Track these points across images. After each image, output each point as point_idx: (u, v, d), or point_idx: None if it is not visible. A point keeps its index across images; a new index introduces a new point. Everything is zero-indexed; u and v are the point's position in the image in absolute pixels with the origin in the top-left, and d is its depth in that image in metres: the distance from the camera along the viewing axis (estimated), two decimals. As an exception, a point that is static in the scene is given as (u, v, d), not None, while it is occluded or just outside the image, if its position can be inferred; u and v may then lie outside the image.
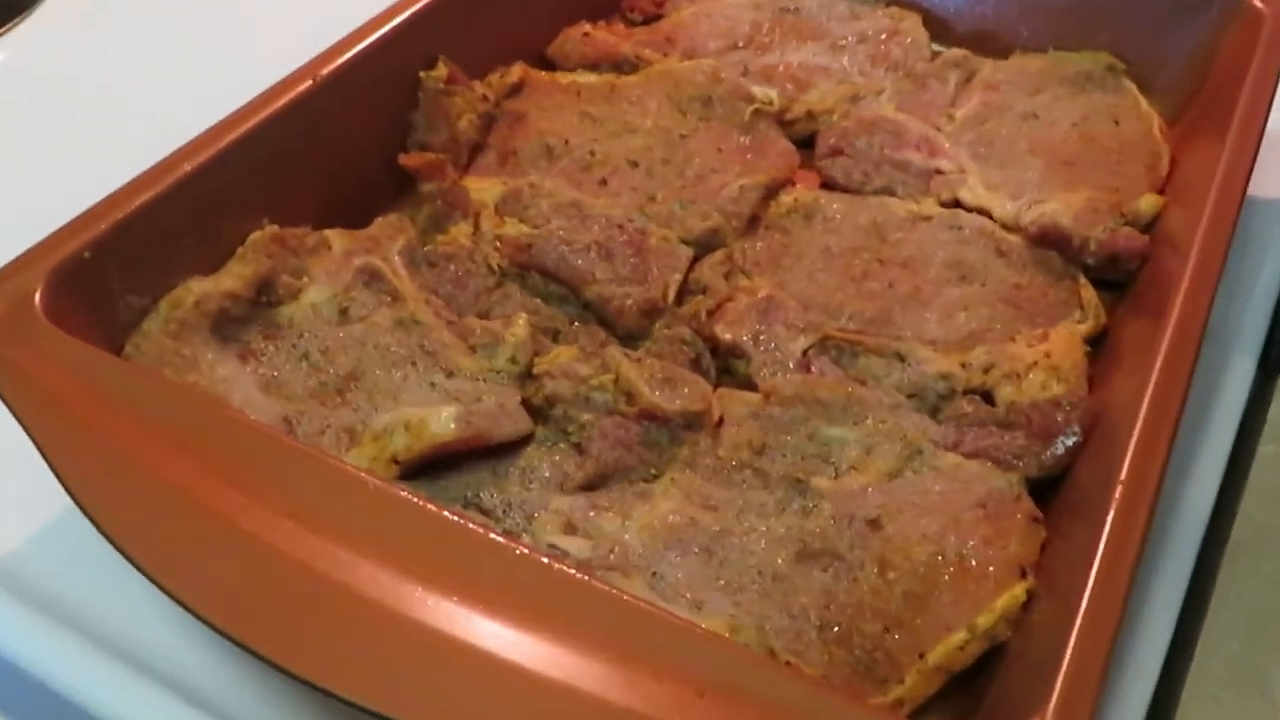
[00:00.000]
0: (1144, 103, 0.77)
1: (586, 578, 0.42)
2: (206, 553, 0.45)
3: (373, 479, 0.47)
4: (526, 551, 0.43)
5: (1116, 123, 0.75)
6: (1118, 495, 0.46)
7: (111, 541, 0.44)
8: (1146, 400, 0.50)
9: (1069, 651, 0.41)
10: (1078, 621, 0.42)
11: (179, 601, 0.42)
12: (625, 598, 0.41)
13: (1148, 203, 0.68)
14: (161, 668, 0.51)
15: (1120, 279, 0.66)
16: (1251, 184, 0.77)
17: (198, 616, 0.42)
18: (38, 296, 0.50)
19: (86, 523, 0.44)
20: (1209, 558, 0.58)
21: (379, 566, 0.43)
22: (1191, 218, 0.62)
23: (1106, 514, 0.46)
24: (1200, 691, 0.52)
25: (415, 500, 0.45)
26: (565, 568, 0.43)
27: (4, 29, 0.82)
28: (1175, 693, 0.52)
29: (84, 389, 0.48)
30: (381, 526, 0.45)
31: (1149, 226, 0.68)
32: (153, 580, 0.43)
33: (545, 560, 0.43)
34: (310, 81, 0.62)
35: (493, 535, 0.44)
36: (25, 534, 0.54)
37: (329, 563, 0.43)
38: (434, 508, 0.45)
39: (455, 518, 0.44)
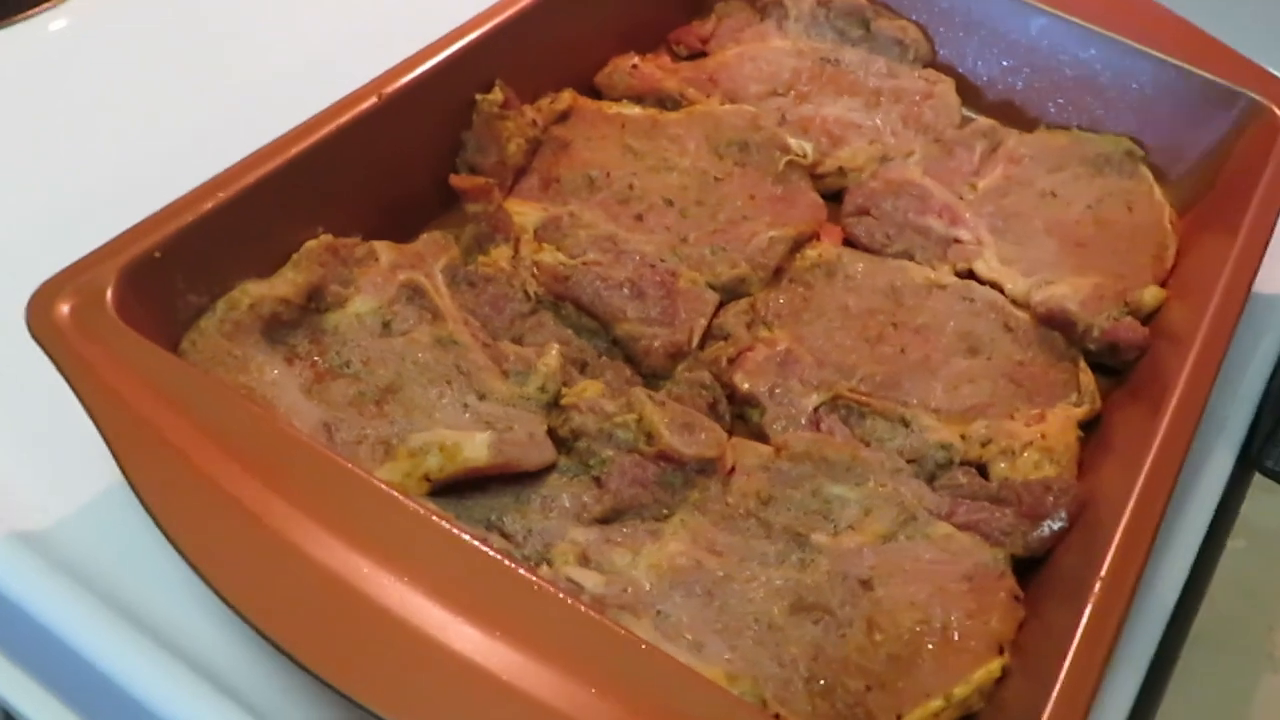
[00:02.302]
0: (1158, 191, 0.81)
1: (600, 617, 0.46)
2: (242, 550, 0.48)
3: (406, 498, 0.50)
4: (548, 586, 0.47)
5: (1130, 209, 0.79)
6: (1098, 588, 0.50)
7: (160, 528, 0.47)
8: (1134, 496, 0.54)
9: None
10: (1049, 705, 0.46)
11: (211, 587, 0.45)
12: (635, 639, 0.45)
13: (1151, 295, 0.72)
14: (182, 643, 0.54)
15: (1118, 366, 0.70)
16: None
17: (226, 603, 0.45)
18: (109, 293, 0.53)
19: (125, 501, 0.47)
20: (1171, 645, 0.62)
21: (406, 583, 0.46)
22: (1194, 314, 0.66)
23: (1086, 604, 0.50)
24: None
25: (446, 525, 0.49)
26: (581, 605, 0.46)
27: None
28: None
29: (147, 385, 0.51)
30: (411, 545, 0.48)
31: (1150, 317, 0.72)
32: (192, 566, 0.46)
33: (563, 596, 0.46)
34: (375, 99, 0.64)
35: (518, 568, 0.47)
36: (70, 507, 0.57)
37: (358, 575, 0.47)
38: (462, 534, 0.48)
39: (482, 545, 0.48)
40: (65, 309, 0.52)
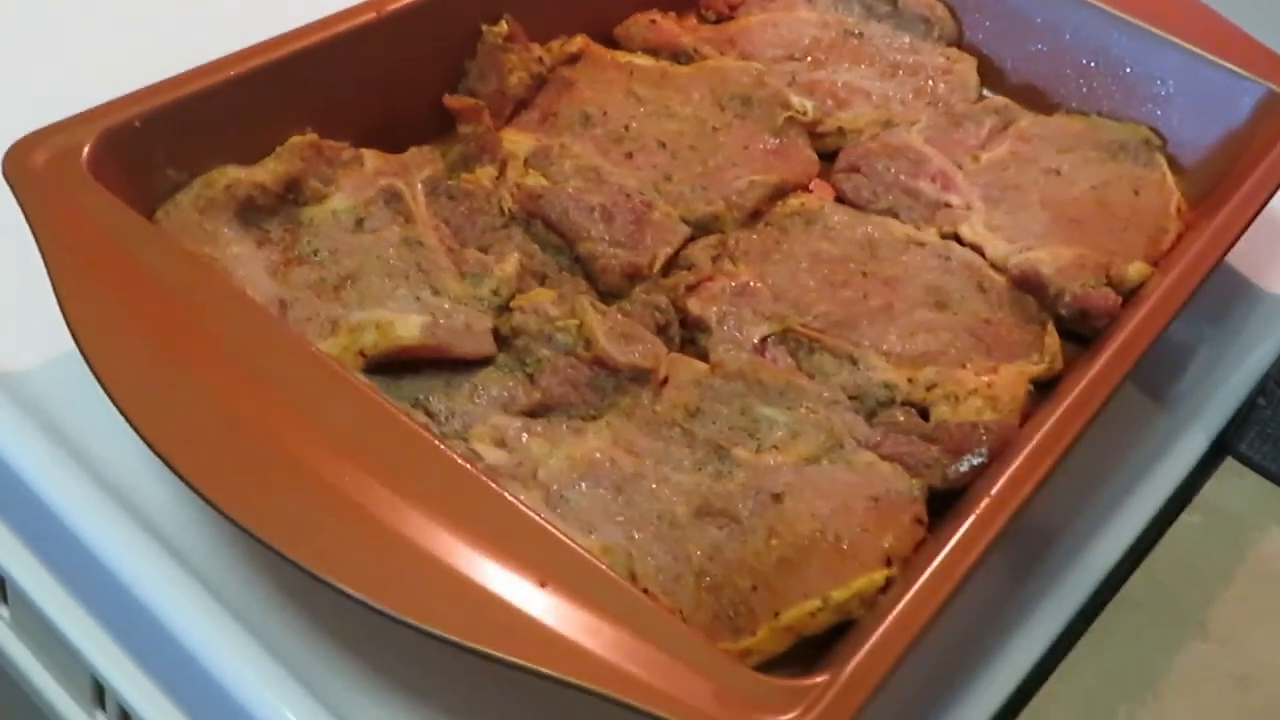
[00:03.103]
0: (1170, 179, 0.80)
1: (476, 474, 0.48)
2: (182, 403, 0.51)
3: (334, 364, 0.53)
4: (440, 446, 0.49)
5: (1136, 193, 0.78)
6: (983, 505, 0.50)
7: (100, 382, 0.50)
8: (1044, 429, 0.54)
9: (886, 621, 0.45)
10: (904, 600, 0.46)
11: (146, 442, 0.48)
12: (499, 493, 0.47)
13: (1135, 270, 0.71)
14: (133, 499, 0.57)
15: (1089, 335, 0.69)
16: (1261, 277, 0.80)
17: (159, 456, 0.48)
18: (85, 150, 0.57)
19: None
20: (1097, 604, 0.61)
21: (322, 440, 0.49)
22: (1160, 279, 0.66)
23: (968, 518, 0.50)
24: (1039, 711, 0.55)
25: (362, 387, 0.51)
26: (460, 462, 0.48)
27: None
28: (1018, 705, 0.55)
29: (107, 240, 0.55)
30: (332, 405, 0.51)
31: (1132, 294, 0.71)
32: (127, 419, 0.49)
33: (450, 456, 0.49)
34: (374, 14, 0.68)
35: (415, 428, 0.50)
36: (45, 358, 0.61)
37: (282, 427, 0.50)
38: (375, 395, 0.51)
39: (392, 409, 0.50)
40: (40, 159, 0.56)
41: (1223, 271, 0.80)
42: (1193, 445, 0.70)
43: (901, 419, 0.62)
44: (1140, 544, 0.64)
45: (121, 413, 0.49)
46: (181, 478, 0.47)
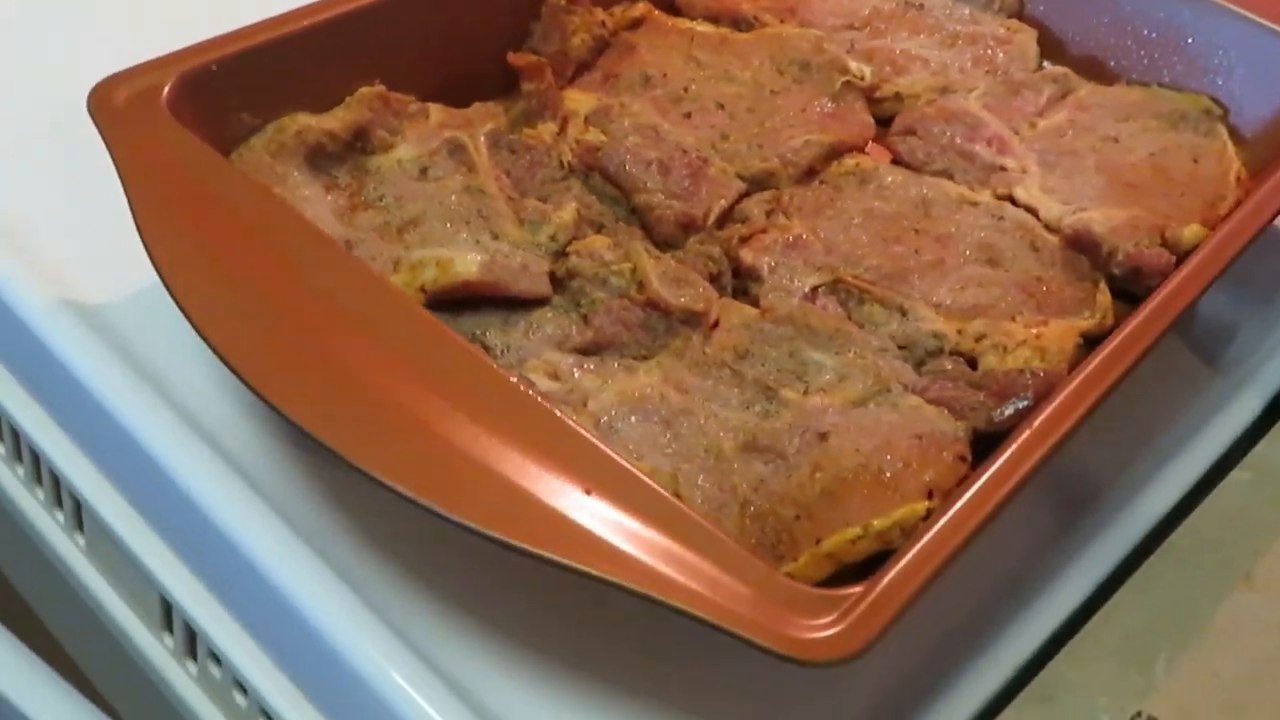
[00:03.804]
0: (1231, 148, 0.79)
1: (527, 391, 0.49)
2: (257, 328, 0.53)
3: (398, 290, 0.55)
4: (493, 366, 0.51)
5: (1195, 161, 0.78)
6: (1023, 437, 0.51)
7: (181, 308, 0.53)
8: (1086, 370, 0.55)
9: (921, 541, 0.46)
10: (941, 522, 0.47)
11: (228, 365, 0.50)
12: (548, 409, 0.49)
13: (1191, 232, 0.71)
14: (208, 426, 0.60)
15: (1142, 294, 0.69)
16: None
17: (232, 369, 0.50)
18: (165, 91, 0.60)
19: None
20: (1142, 552, 0.61)
21: (386, 358, 0.51)
22: (1213, 237, 0.66)
23: (1006, 450, 0.51)
24: (1083, 648, 0.56)
25: (424, 313, 0.54)
26: (513, 379, 0.50)
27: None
28: (1060, 642, 0.56)
29: (186, 175, 0.58)
30: (396, 327, 0.53)
31: (1186, 256, 0.71)
32: (206, 340, 0.51)
33: (503, 375, 0.51)
34: (444, -27, 0.70)
35: (472, 349, 0.52)
36: (127, 291, 0.64)
37: (349, 347, 0.52)
38: (436, 321, 0.53)
39: (451, 333, 0.53)
40: (123, 97, 0.59)
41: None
42: (1246, 408, 0.70)
43: (949, 367, 0.62)
44: (1189, 499, 0.64)
45: (201, 335, 0.51)
46: (253, 389, 0.50)
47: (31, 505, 0.68)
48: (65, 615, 0.72)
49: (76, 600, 0.67)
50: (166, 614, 0.62)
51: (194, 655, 0.61)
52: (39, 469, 0.66)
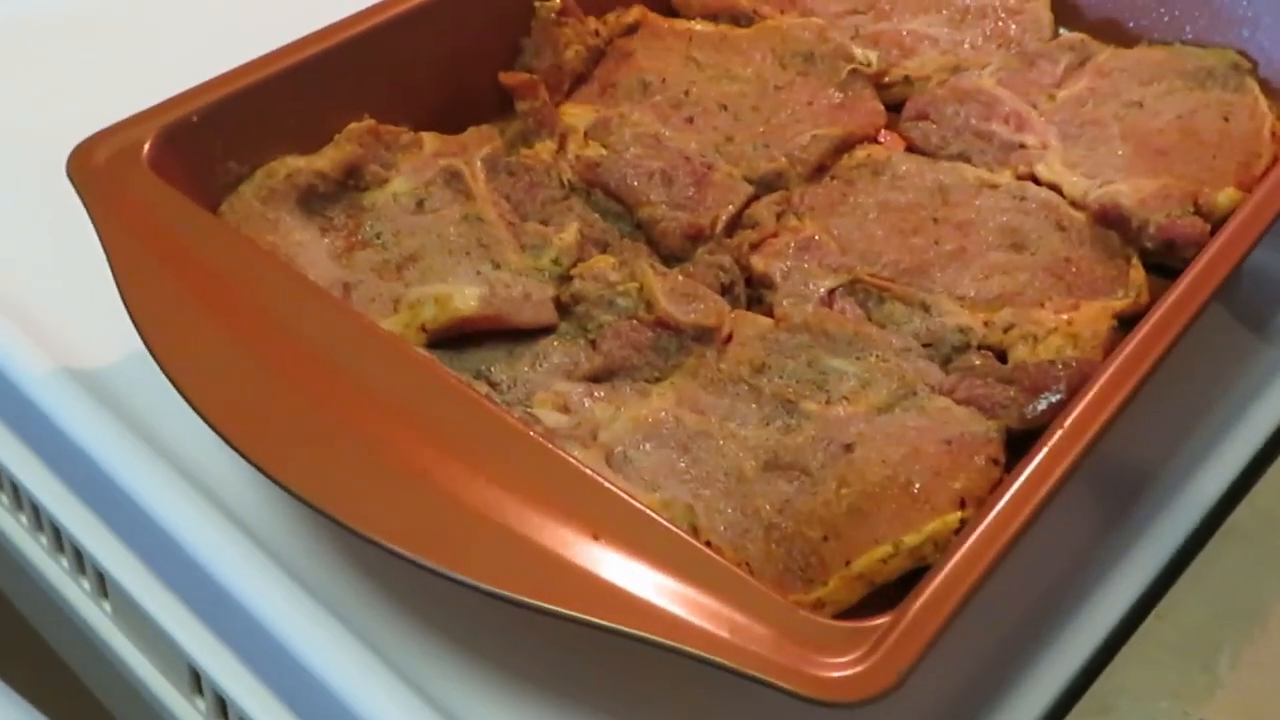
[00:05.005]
0: (1264, 103, 0.76)
1: (527, 432, 0.47)
2: (246, 387, 0.52)
3: (391, 337, 0.54)
4: (490, 408, 0.49)
5: (1225, 119, 0.74)
6: (1057, 436, 0.48)
7: (165, 373, 0.51)
8: (1121, 357, 0.52)
9: (951, 561, 0.44)
10: (971, 538, 0.45)
11: (215, 429, 0.49)
12: (551, 450, 0.47)
13: (1226, 196, 0.68)
14: (216, 490, 0.59)
15: (1178, 266, 0.66)
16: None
17: (225, 439, 0.48)
18: (146, 148, 0.58)
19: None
20: (1199, 539, 0.58)
21: (379, 410, 0.49)
22: (1248, 200, 0.63)
23: (1040, 451, 0.48)
24: (1140, 650, 0.53)
25: (420, 358, 0.52)
26: (512, 421, 0.48)
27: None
28: (1116, 645, 0.53)
29: (168, 233, 0.56)
30: (389, 377, 0.51)
31: (1223, 222, 0.68)
32: (193, 407, 0.50)
33: (501, 416, 0.49)
34: (428, -4, 0.69)
35: (470, 392, 0.50)
36: (125, 353, 0.63)
37: (339, 399, 0.50)
38: (432, 365, 0.51)
39: (448, 376, 0.51)
40: (103, 157, 0.57)
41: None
42: (1299, 378, 0.66)
43: (978, 363, 0.60)
44: (1245, 478, 0.61)
45: (187, 400, 0.50)
46: (242, 454, 0.48)
47: (56, 572, 0.67)
48: (102, 679, 0.72)
49: (108, 665, 0.66)
50: (196, 679, 0.60)
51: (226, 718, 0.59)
52: (60, 539, 0.65)
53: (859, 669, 0.40)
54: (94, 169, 0.57)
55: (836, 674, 0.40)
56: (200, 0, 0.89)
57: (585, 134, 0.71)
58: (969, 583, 0.43)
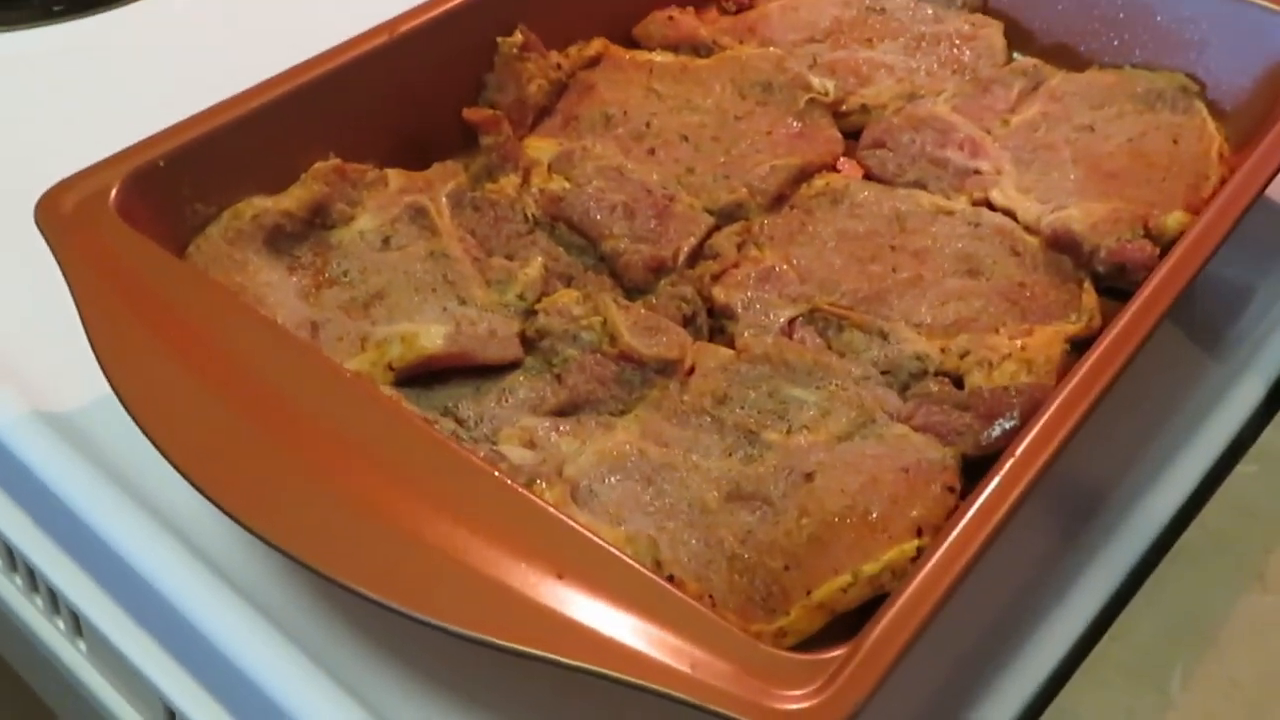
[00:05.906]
0: (1211, 125, 0.77)
1: (490, 472, 0.48)
2: (213, 431, 0.52)
3: (357, 379, 0.55)
4: (454, 448, 0.50)
5: (1175, 141, 0.76)
6: (1007, 466, 0.50)
7: (134, 419, 0.52)
8: (1072, 382, 0.53)
9: (907, 591, 0.45)
10: (926, 567, 0.46)
11: (181, 472, 0.49)
12: (514, 490, 0.48)
13: (1175, 220, 0.69)
14: (186, 531, 0.59)
15: (1130, 289, 0.68)
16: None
17: (189, 481, 0.49)
18: (113, 193, 0.59)
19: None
20: (1152, 559, 0.60)
21: (343, 452, 0.50)
22: (1197, 222, 0.64)
23: (992, 479, 0.49)
24: (1093, 673, 0.54)
25: (384, 399, 0.53)
26: (475, 461, 0.49)
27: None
28: (1071, 668, 0.54)
29: (136, 279, 0.57)
30: (353, 418, 0.52)
31: (1172, 244, 0.69)
32: (160, 451, 0.50)
33: (465, 456, 0.50)
34: (387, 36, 0.69)
35: (433, 433, 0.51)
36: (94, 395, 0.64)
37: (310, 444, 0.51)
38: (396, 406, 0.52)
39: (411, 417, 0.52)
40: (70, 204, 0.58)
41: (1275, 213, 0.78)
42: (1249, 393, 0.68)
43: (935, 389, 0.61)
44: (1196, 496, 0.63)
45: (154, 444, 0.51)
46: (205, 495, 0.49)
47: (31, 613, 0.68)
48: (78, 716, 0.72)
49: (84, 702, 0.67)
50: (170, 716, 0.61)
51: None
52: (34, 579, 0.66)
53: (816, 700, 0.41)
54: (62, 216, 0.57)
55: (794, 706, 0.41)
56: (164, 42, 0.89)
57: (549, 167, 0.72)
58: (923, 613, 0.44)
